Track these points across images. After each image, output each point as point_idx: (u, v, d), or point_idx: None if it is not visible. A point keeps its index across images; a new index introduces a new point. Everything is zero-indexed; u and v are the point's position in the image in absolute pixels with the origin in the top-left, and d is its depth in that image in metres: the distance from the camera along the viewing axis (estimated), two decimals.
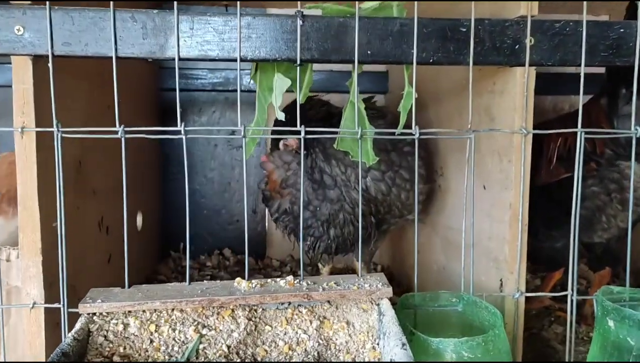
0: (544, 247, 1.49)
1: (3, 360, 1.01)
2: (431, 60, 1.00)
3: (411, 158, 1.42)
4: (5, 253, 1.13)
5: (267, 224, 2.24)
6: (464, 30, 0.99)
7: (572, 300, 1.04)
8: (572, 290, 1.04)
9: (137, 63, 1.81)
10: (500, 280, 1.10)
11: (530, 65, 1.00)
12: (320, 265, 1.66)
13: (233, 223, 2.24)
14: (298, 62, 0.98)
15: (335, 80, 2.13)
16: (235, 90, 2.12)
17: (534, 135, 1.03)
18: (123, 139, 0.97)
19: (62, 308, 0.99)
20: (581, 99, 1.01)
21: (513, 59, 1.01)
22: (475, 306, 1.01)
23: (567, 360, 1.08)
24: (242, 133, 0.98)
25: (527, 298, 1.09)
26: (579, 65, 1.00)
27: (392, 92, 2.14)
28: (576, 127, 1.00)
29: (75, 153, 1.18)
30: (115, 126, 0.96)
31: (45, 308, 1.01)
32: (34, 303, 1.00)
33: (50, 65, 0.93)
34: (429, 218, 1.60)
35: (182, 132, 0.98)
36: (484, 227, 1.16)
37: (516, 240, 1.06)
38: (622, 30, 1.00)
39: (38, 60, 0.97)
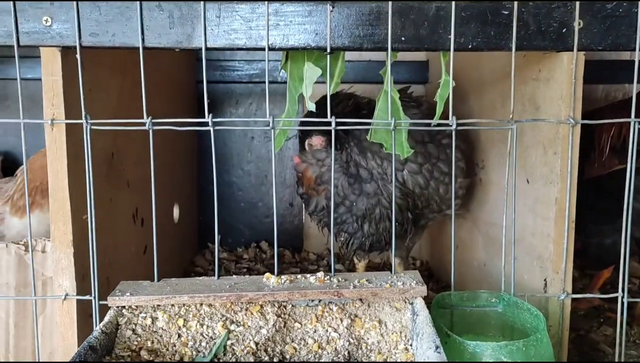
0: (593, 243, 1.40)
1: (37, 350, 1.02)
2: (470, 46, 0.94)
3: (450, 150, 1.36)
4: (40, 245, 1.15)
5: (304, 217, 2.22)
6: (506, 13, 0.93)
7: (622, 302, 0.96)
8: (623, 291, 0.97)
9: (174, 55, 1.81)
10: (545, 279, 1.03)
11: (578, 50, 0.92)
12: (355, 260, 1.62)
13: (270, 216, 2.22)
14: (328, 50, 0.94)
15: (372, 70, 2.07)
16: (274, 82, 2.10)
17: (583, 125, 0.96)
18: (151, 131, 0.95)
19: (93, 300, 0.99)
20: (635, 87, 0.93)
21: (560, 44, 0.94)
22: (517, 307, 0.95)
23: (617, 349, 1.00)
24: (271, 124, 0.95)
25: (573, 298, 1.02)
26: (633, 49, 0.92)
27: (433, 82, 2.07)
28: (630, 116, 0.92)
29: (107, 144, 1.18)
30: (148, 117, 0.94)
31: (77, 300, 1.01)
32: (66, 294, 1.00)
33: (78, 56, 0.93)
34: (469, 214, 1.53)
35: (210, 123, 0.95)
36: (528, 223, 1.09)
37: (562, 238, 0.99)
38: None
39: (67, 52, 0.97)
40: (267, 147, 2.20)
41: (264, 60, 2.11)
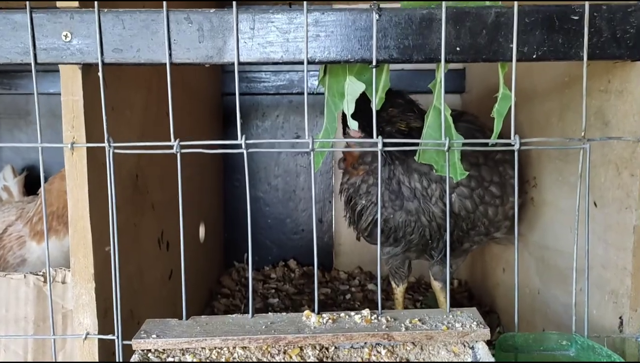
0: None
1: None
2: (534, 56, 0.84)
3: (502, 168, 1.24)
4: (60, 275, 1.07)
5: (334, 234, 2.12)
6: (576, 18, 0.82)
7: None
8: None
9: (200, 68, 1.73)
10: (620, 317, 0.91)
11: None
12: (393, 284, 1.51)
13: (299, 233, 2.13)
14: (374, 62, 0.85)
15: (405, 79, 1.97)
16: (301, 93, 2.01)
17: None
18: (179, 155, 0.86)
19: (116, 340, 0.90)
20: None
21: (637, 52, 0.83)
22: (593, 352, 0.83)
23: None
24: (310, 146, 0.85)
25: None
26: None
27: (470, 91, 1.96)
28: None
29: (131, 166, 1.09)
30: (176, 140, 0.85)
31: (100, 339, 0.92)
32: (87, 334, 0.92)
33: (100, 74, 0.84)
34: (519, 234, 1.41)
35: (243, 146, 0.86)
36: (597, 253, 0.97)
37: None
38: None
39: (88, 69, 0.89)
40: (296, 161, 2.11)
41: (292, 71, 2.03)
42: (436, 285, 1.46)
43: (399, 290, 1.50)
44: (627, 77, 0.89)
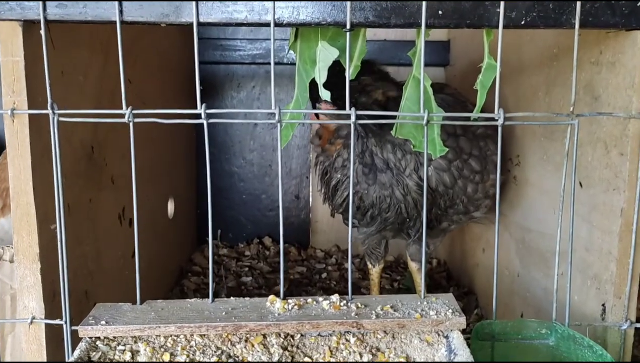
0: None
1: None
2: (523, 23, 0.77)
3: (483, 143, 1.18)
4: (8, 254, 0.99)
5: (310, 211, 2.05)
6: None
7: None
8: None
9: (169, 33, 1.63)
10: (603, 305, 0.86)
11: None
12: (369, 265, 1.45)
13: (274, 209, 2.06)
14: (348, 26, 0.77)
15: (387, 51, 1.89)
16: (279, 63, 1.91)
17: None
18: (131, 124, 0.78)
19: (64, 326, 0.83)
20: None
21: (633, 20, 0.76)
22: (574, 342, 0.78)
23: None
24: (277, 117, 0.77)
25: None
26: None
27: (454, 64, 1.89)
28: None
29: (85, 137, 1.01)
30: (135, 104, 0.77)
31: (47, 324, 0.85)
32: (33, 318, 0.84)
33: (42, 31, 0.75)
34: (500, 215, 1.36)
35: (203, 115, 0.78)
36: (581, 235, 0.92)
37: (628, 257, 0.82)
38: None
39: (30, 27, 0.80)
40: (272, 134, 2.03)
41: (269, 40, 1.93)
42: (413, 266, 1.41)
43: (374, 271, 1.44)
44: (621, 48, 0.83)
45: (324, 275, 1.86)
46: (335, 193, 1.29)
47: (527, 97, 1.18)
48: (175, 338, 0.78)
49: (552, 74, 1.05)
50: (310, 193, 2.04)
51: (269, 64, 1.93)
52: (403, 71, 1.29)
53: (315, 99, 1.21)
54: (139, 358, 0.76)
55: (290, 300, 0.82)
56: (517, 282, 1.24)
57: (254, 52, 1.92)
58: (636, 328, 1.39)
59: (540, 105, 1.11)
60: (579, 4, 0.75)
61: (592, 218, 0.90)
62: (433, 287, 1.74)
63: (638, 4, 0.76)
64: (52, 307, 0.86)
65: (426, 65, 2.04)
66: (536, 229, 1.15)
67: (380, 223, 1.25)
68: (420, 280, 1.40)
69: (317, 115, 1.27)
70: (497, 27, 0.76)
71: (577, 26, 0.76)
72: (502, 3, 0.75)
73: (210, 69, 1.97)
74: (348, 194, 1.26)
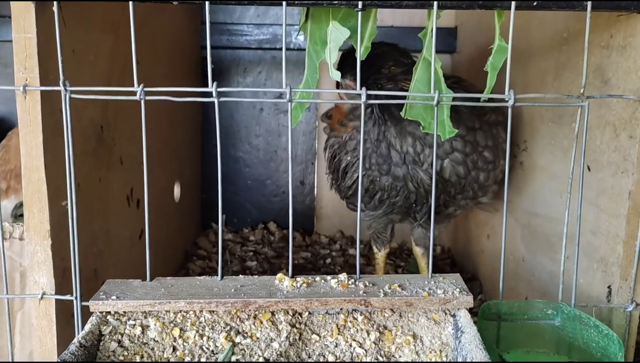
0: None
1: (11, 354, 0.88)
2: (535, 4, 0.77)
3: (495, 131, 1.18)
4: (18, 231, 1.00)
5: (315, 197, 2.06)
6: None
7: None
8: None
9: (177, 17, 1.63)
10: (609, 287, 0.87)
11: None
12: (375, 249, 1.46)
13: (279, 195, 2.06)
14: (360, 5, 0.77)
15: (395, 37, 1.88)
16: (287, 48, 1.90)
17: None
18: (143, 101, 0.78)
19: (74, 301, 0.84)
20: None
21: None
22: (580, 322, 0.79)
23: None
24: (288, 96, 0.78)
25: None
26: None
27: (460, 52, 1.88)
28: None
29: (96, 116, 1.01)
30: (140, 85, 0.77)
31: (57, 300, 0.86)
32: (43, 294, 0.85)
33: (55, 8, 0.75)
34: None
35: (214, 94, 0.79)
36: (588, 219, 0.93)
37: (635, 239, 0.82)
38: None
39: (43, 5, 0.80)
40: (278, 120, 2.03)
41: (276, 24, 1.93)
42: (418, 251, 1.41)
43: (380, 256, 1.45)
44: (632, 31, 0.83)
45: (328, 260, 1.87)
46: (345, 176, 1.29)
47: (536, 81, 1.18)
48: (184, 314, 0.79)
49: (562, 58, 1.05)
50: (316, 180, 2.05)
51: (276, 49, 1.95)
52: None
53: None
54: (149, 334, 0.77)
55: (298, 279, 0.83)
56: (522, 266, 1.24)
57: (260, 37, 1.92)
58: None
59: (549, 89, 1.10)
60: None
61: (600, 201, 0.90)
62: (437, 273, 1.74)
63: None
64: (62, 283, 0.87)
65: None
66: (543, 214, 1.15)
67: (388, 207, 1.25)
68: (424, 265, 1.41)
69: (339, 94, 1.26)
70: (509, 8, 0.76)
71: (589, 8, 0.76)
72: None
73: (217, 54, 1.97)
74: (358, 177, 1.26)
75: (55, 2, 0.76)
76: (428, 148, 1.12)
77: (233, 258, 1.85)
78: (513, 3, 0.75)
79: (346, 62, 1.14)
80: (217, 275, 0.84)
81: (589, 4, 0.75)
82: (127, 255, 1.19)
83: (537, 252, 1.18)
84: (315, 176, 2.05)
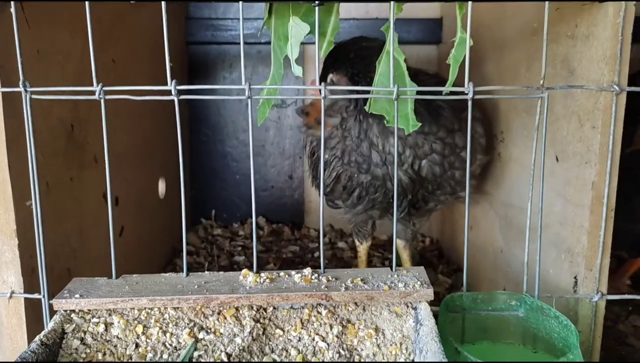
0: (628, 229, 1.23)
1: None
2: None
3: (472, 127, 1.17)
4: None
5: (304, 191, 2.06)
6: None
7: None
8: None
9: (154, 11, 1.62)
10: (575, 277, 0.87)
11: None
12: (357, 242, 1.46)
13: (267, 190, 2.07)
14: (316, 1, 0.77)
15: (366, 29, 1.87)
16: (269, 43, 1.90)
17: (629, 92, 0.78)
18: (102, 101, 0.79)
19: (42, 300, 0.85)
20: None
21: None
22: (542, 313, 0.79)
23: None
24: (247, 92, 0.78)
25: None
26: None
27: (446, 42, 1.87)
28: None
29: (65, 115, 1.02)
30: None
31: (26, 299, 0.87)
32: (12, 292, 0.86)
33: (13, 10, 0.76)
34: (485, 191, 1.36)
35: (173, 92, 0.79)
36: (555, 210, 0.92)
37: (599, 229, 0.82)
38: None
39: (3, 6, 0.80)
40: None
41: (260, 19, 1.92)
42: (399, 243, 1.41)
43: (362, 248, 1.45)
44: (594, 20, 0.82)
45: (317, 254, 1.87)
46: (324, 173, 1.29)
47: (510, 72, 1.17)
48: (149, 311, 0.80)
49: (532, 49, 1.05)
50: (304, 173, 2.05)
51: (261, 43, 1.94)
52: (406, 49, 1.27)
53: (323, 76, 1.21)
54: (112, 331, 0.78)
55: (262, 274, 0.83)
56: (500, 257, 1.24)
57: (245, 31, 1.91)
58: (623, 303, 1.40)
59: (522, 80, 1.10)
60: None
61: (567, 192, 0.90)
62: (425, 264, 1.73)
63: None
64: (31, 282, 0.88)
65: (419, 43, 2.04)
66: (517, 205, 1.15)
67: (367, 203, 1.25)
68: (406, 257, 1.41)
69: (332, 81, 1.24)
70: (467, 0, 0.76)
71: None
72: None
73: (203, 49, 1.96)
74: (337, 175, 1.26)
75: (12, 3, 0.76)
76: (409, 148, 1.11)
77: (221, 253, 1.85)
78: None
79: (336, 57, 1.14)
80: (182, 272, 0.85)
81: None
82: (104, 254, 1.19)
83: (512, 243, 1.18)
84: (304, 170, 2.05)
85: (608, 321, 1.36)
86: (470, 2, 0.76)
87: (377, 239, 1.96)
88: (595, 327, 0.85)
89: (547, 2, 0.76)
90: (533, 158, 0.80)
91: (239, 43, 1.94)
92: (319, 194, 1.41)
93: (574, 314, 0.86)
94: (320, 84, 0.85)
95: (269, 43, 1.93)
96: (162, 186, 1.65)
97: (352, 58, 1.15)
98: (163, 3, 0.77)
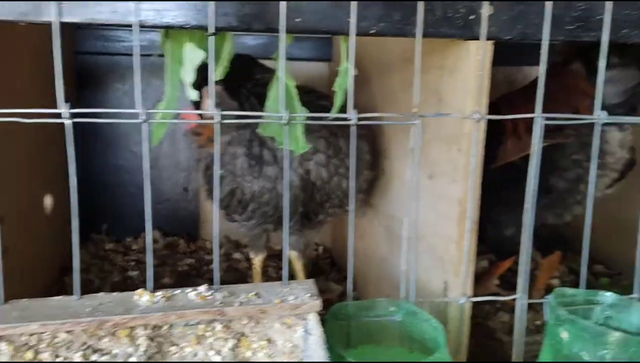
0: (493, 235, 1.38)
1: None
2: (372, 31, 0.85)
3: (360, 140, 1.27)
4: None
5: (199, 203, 2.06)
6: None
7: (521, 304, 0.93)
8: (523, 291, 0.94)
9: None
10: (445, 282, 0.98)
11: (487, 39, 0.86)
12: (252, 255, 1.51)
13: (162, 202, 2.05)
14: (210, 31, 0.81)
15: (275, 45, 1.93)
16: (162, 55, 1.89)
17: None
18: None
19: None
20: (542, 74, 0.88)
21: (467, 32, 0.87)
22: (416, 317, 0.89)
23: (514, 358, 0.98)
24: (143, 116, 0.80)
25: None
26: (541, 40, 0.86)
27: (336, 61, 1.97)
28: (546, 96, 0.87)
29: None
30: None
31: None
32: None
33: None
34: (371, 204, 1.47)
35: (66, 115, 0.79)
36: (429, 222, 1.03)
37: (464, 240, 0.93)
38: None
39: None
40: None
41: (153, 31, 1.90)
42: (292, 254, 1.48)
43: (257, 260, 1.50)
44: (459, 55, 0.94)
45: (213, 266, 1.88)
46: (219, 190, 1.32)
47: (391, 96, 1.28)
48: (40, 335, 0.79)
49: (406, 76, 1.16)
50: (199, 185, 2.05)
51: (153, 55, 1.92)
52: (297, 66, 1.33)
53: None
54: (0, 358, 0.76)
55: (158, 293, 0.85)
56: (384, 266, 1.35)
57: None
58: (493, 302, 1.57)
59: (400, 104, 1.21)
60: (420, 16, 0.84)
61: (438, 207, 1.01)
62: (317, 272, 1.83)
63: (469, 18, 0.87)
64: None
65: (309, 60, 2.11)
66: (398, 217, 1.26)
67: (260, 217, 1.30)
68: (299, 267, 1.48)
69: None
70: (348, 34, 0.83)
71: (418, 36, 0.85)
72: (353, 14, 0.82)
73: (93, 60, 1.91)
74: (230, 189, 1.29)
75: None
76: None
77: (114, 269, 1.81)
78: (353, 31, 0.82)
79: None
80: (74, 295, 0.84)
81: (418, 33, 0.84)
82: None
83: (395, 253, 1.28)
84: (199, 182, 2.05)
85: (479, 318, 1.52)
86: (353, 37, 0.83)
87: (272, 249, 2.01)
88: (462, 327, 0.96)
89: (417, 41, 0.85)
90: (410, 177, 0.90)
91: (131, 54, 1.91)
92: (213, 210, 1.44)
93: (445, 316, 0.97)
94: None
95: (161, 55, 1.92)
96: (48, 202, 1.59)
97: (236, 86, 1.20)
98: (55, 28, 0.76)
